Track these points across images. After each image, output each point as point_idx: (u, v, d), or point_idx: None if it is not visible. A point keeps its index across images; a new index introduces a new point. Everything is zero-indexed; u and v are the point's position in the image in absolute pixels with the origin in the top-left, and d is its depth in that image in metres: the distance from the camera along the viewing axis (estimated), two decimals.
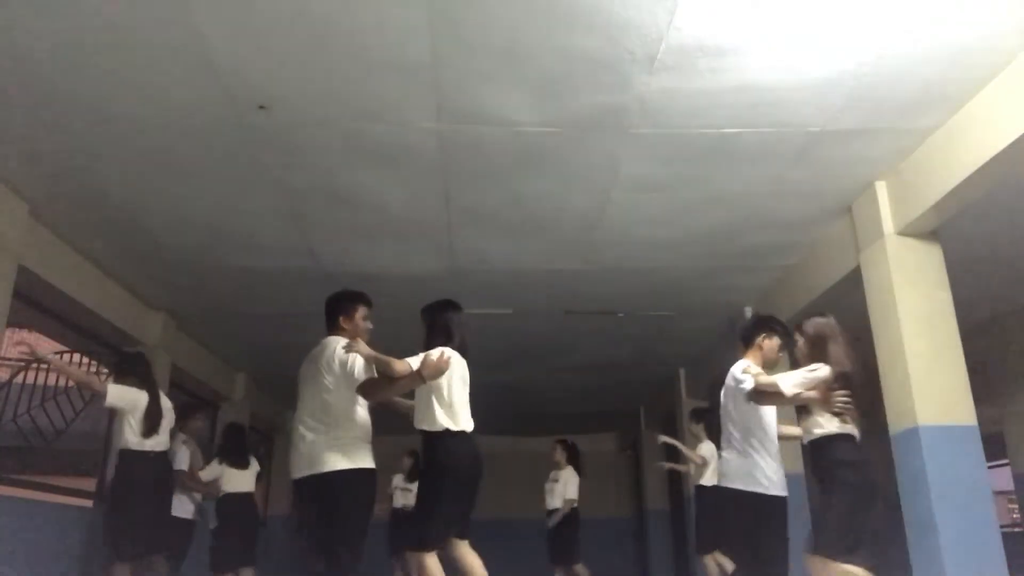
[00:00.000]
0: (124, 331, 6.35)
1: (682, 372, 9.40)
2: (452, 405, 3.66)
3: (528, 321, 7.44)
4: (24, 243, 4.77)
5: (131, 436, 4.76)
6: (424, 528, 3.53)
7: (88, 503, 6.06)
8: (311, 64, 3.55)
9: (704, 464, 6.21)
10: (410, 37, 3.37)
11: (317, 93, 3.78)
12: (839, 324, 3.68)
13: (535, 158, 4.44)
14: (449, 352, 3.59)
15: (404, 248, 5.74)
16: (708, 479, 6.13)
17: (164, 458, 5.05)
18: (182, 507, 5.64)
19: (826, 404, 3.59)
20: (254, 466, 6.23)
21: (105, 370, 6.81)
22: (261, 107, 3.86)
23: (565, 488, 6.95)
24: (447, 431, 3.62)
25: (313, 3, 3.17)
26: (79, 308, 5.70)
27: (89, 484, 6.16)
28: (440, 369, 3.42)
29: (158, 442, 4.88)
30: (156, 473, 4.89)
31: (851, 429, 3.69)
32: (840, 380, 3.62)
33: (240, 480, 6.01)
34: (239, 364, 8.97)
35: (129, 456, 4.76)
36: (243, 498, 6.01)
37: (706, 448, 6.28)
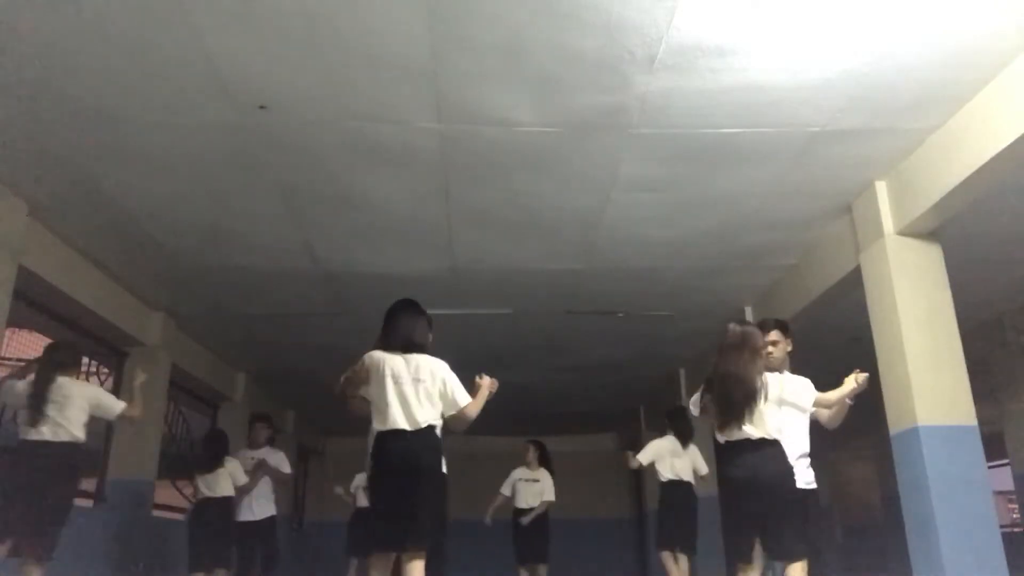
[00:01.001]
0: (124, 331, 6.35)
1: (682, 372, 9.39)
2: (377, 406, 3.57)
3: (528, 321, 7.44)
4: (24, 243, 4.77)
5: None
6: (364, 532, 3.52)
7: (88, 503, 6.06)
8: (311, 64, 3.55)
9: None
10: (410, 37, 3.37)
11: (317, 93, 3.78)
12: (731, 332, 3.69)
13: (535, 158, 4.44)
14: (367, 358, 3.59)
15: (404, 248, 5.74)
16: (665, 475, 6.31)
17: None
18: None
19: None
20: (227, 469, 6.11)
21: (105, 370, 6.83)
22: (261, 107, 3.86)
23: (544, 490, 7.00)
24: (377, 432, 3.56)
25: (313, 3, 3.17)
26: (79, 308, 5.70)
27: (89, 484, 6.17)
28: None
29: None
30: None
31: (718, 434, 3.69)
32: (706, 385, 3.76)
33: (211, 484, 6.00)
34: (239, 364, 8.97)
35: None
36: (217, 502, 5.98)
37: (656, 445, 6.48)
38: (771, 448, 3.48)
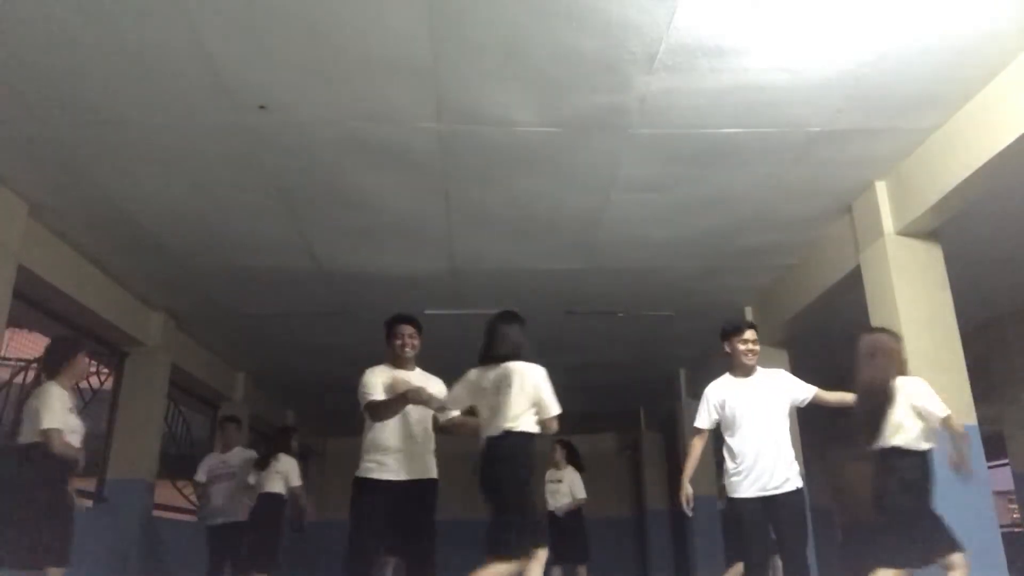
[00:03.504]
0: (124, 331, 6.35)
1: (682, 372, 9.40)
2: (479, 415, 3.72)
3: (528, 321, 7.43)
4: (24, 243, 4.77)
5: None
6: None
7: (89, 503, 6.06)
8: (311, 64, 3.55)
9: None
10: (410, 37, 3.37)
11: (317, 93, 3.78)
12: (863, 342, 3.80)
13: (535, 158, 4.44)
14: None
15: (404, 248, 5.74)
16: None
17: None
18: None
19: None
20: (280, 466, 6.22)
21: (106, 370, 6.83)
22: (261, 107, 3.86)
23: (572, 488, 6.98)
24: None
25: (313, 3, 3.17)
26: (79, 308, 5.70)
27: (89, 484, 6.17)
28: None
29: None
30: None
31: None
32: None
33: (262, 480, 6.13)
34: (239, 364, 8.96)
35: None
36: (263, 498, 6.07)
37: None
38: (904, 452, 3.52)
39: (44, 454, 3.94)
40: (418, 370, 4.04)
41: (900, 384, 3.60)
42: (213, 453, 6.60)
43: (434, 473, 3.90)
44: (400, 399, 3.70)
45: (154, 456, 6.94)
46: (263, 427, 10.56)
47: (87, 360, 4.48)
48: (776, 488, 3.77)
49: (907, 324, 4.50)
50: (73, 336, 4.70)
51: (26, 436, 4.01)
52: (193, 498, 7.56)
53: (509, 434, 3.42)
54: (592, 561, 7.03)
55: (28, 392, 4.30)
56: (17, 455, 4.03)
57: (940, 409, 3.54)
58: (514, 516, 3.34)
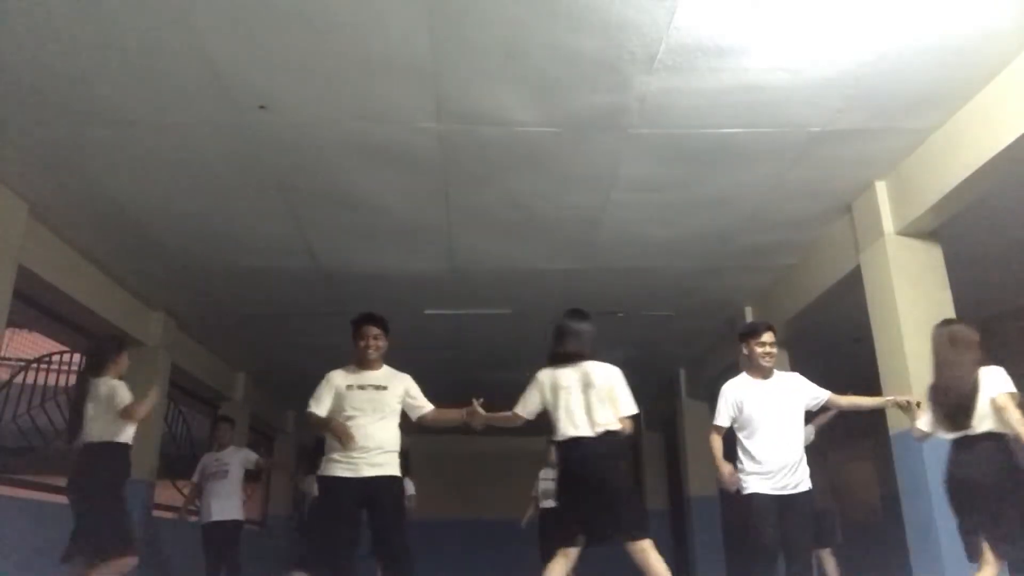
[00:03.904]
0: (124, 331, 6.35)
1: (682, 372, 9.40)
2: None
3: (528, 321, 7.44)
4: (24, 243, 4.77)
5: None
6: None
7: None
8: (311, 64, 3.55)
9: None
10: (410, 37, 3.37)
11: (317, 93, 3.78)
12: (938, 335, 3.79)
13: (535, 158, 4.44)
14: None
15: (404, 248, 5.74)
16: None
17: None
18: None
19: None
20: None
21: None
22: (261, 107, 3.86)
23: None
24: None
25: (313, 4, 3.17)
26: (79, 308, 5.70)
27: None
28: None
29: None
30: None
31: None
32: None
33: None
34: (239, 364, 8.97)
35: None
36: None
37: None
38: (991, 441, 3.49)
39: (114, 450, 4.17)
40: (385, 368, 4.07)
41: (983, 373, 3.62)
42: (209, 452, 6.60)
43: (394, 471, 3.86)
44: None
45: (154, 456, 6.94)
46: (263, 427, 10.58)
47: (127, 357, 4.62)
48: (792, 489, 3.79)
49: (907, 324, 4.50)
50: (116, 335, 4.80)
51: (97, 434, 4.17)
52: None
53: (609, 433, 3.56)
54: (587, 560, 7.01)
55: (77, 394, 4.36)
56: (89, 453, 4.17)
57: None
58: (637, 503, 3.64)
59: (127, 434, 4.24)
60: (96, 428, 4.18)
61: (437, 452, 11.24)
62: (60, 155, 4.32)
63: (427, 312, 7.01)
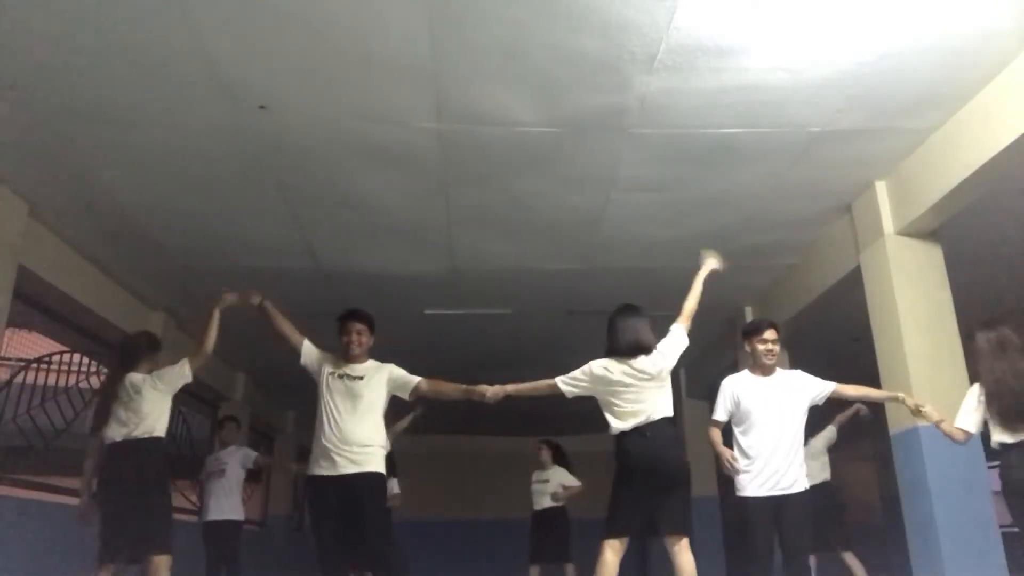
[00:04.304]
0: (124, 331, 6.34)
1: (682, 372, 9.39)
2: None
3: (528, 321, 7.44)
4: (24, 243, 4.77)
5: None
6: None
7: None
8: (311, 64, 3.55)
9: None
10: (410, 37, 3.37)
11: (317, 93, 3.78)
12: (980, 339, 3.88)
13: (535, 158, 4.44)
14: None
15: (404, 248, 5.74)
16: None
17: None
18: None
19: None
20: None
21: (106, 370, 6.82)
22: (261, 107, 3.86)
23: (564, 483, 6.95)
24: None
25: (313, 4, 3.17)
26: (79, 308, 5.70)
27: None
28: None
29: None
30: None
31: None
32: None
33: None
34: (239, 364, 8.97)
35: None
36: None
37: None
38: None
39: (157, 448, 4.21)
40: (371, 361, 4.04)
41: None
42: (213, 452, 6.61)
43: (375, 467, 3.79)
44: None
45: None
46: (263, 427, 10.59)
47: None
48: (785, 489, 3.78)
49: (907, 324, 4.51)
50: (145, 332, 4.84)
51: (142, 430, 4.17)
52: (193, 498, 7.55)
53: (672, 422, 3.72)
54: (579, 561, 7.01)
55: (105, 390, 4.36)
56: (133, 450, 4.13)
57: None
58: (688, 496, 3.79)
59: (161, 428, 4.25)
60: (143, 423, 4.17)
61: (437, 452, 11.26)
62: (60, 155, 4.31)
63: (427, 312, 7.01)
